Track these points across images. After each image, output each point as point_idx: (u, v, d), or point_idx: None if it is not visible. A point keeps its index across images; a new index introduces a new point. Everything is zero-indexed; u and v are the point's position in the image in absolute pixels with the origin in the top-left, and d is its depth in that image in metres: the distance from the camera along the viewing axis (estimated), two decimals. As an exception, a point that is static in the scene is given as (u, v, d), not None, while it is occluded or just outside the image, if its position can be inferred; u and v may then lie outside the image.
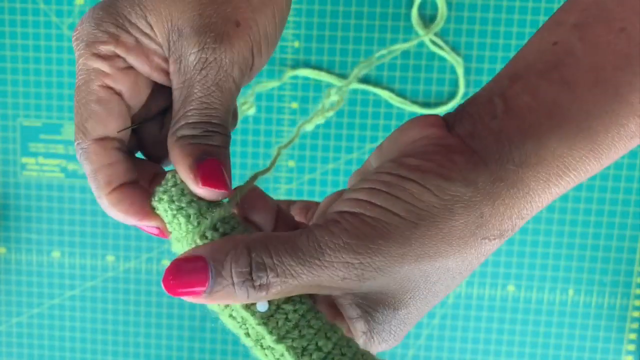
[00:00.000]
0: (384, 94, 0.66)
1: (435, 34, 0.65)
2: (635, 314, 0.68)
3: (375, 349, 0.29)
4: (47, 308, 0.72)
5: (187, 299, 0.26)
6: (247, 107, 0.66)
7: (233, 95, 0.29)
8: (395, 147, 0.30)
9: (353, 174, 0.33)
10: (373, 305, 0.27)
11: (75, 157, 0.69)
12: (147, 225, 0.30)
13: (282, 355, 0.26)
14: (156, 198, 0.29)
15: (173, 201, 0.28)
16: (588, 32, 0.27)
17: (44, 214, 0.70)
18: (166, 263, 0.70)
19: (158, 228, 0.30)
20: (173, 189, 0.28)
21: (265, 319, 0.26)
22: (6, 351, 0.72)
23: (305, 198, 0.68)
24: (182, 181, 0.28)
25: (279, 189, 0.68)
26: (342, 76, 0.66)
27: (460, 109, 0.29)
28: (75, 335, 0.72)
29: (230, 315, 0.26)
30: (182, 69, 0.28)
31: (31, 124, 0.69)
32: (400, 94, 0.66)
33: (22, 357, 0.73)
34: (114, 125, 0.29)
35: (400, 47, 0.65)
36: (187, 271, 0.25)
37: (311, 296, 0.29)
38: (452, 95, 0.66)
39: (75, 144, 0.29)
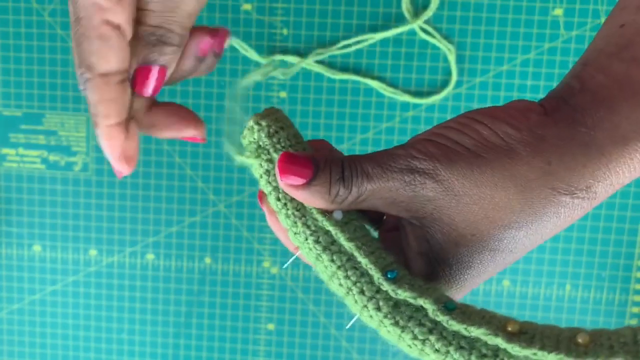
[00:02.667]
0: (374, 84, 0.64)
1: (428, 21, 0.63)
2: (635, 309, 0.66)
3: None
4: (27, 304, 0.70)
5: (288, 189, 0.30)
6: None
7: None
8: None
9: None
10: (432, 225, 0.30)
11: (56, 148, 0.67)
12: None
13: (351, 256, 0.30)
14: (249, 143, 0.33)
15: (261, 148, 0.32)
16: None
17: (25, 207, 0.68)
18: (151, 257, 0.69)
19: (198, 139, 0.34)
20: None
21: (341, 224, 0.30)
22: (-13, 348, 0.71)
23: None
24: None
25: (267, 181, 0.66)
26: (332, 65, 0.64)
27: (547, 94, 0.32)
28: (57, 331, 0.70)
29: (305, 224, 0.31)
30: None
31: (11, 114, 0.67)
32: (392, 83, 0.64)
33: (2, 355, 0.71)
34: (116, 60, 0.30)
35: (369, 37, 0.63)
36: (295, 162, 0.30)
37: None
38: (445, 83, 0.64)
39: (79, 73, 0.30)
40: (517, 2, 0.62)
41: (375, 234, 0.35)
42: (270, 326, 0.69)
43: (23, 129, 0.67)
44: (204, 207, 0.67)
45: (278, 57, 0.64)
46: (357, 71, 0.64)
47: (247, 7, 0.64)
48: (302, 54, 0.64)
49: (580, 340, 0.25)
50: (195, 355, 0.70)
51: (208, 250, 0.68)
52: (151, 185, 0.67)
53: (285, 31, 0.64)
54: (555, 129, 0.29)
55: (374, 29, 0.64)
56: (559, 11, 0.62)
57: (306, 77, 0.65)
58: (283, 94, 0.65)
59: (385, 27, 0.63)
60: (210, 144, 0.66)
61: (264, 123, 0.32)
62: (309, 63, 0.64)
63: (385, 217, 0.35)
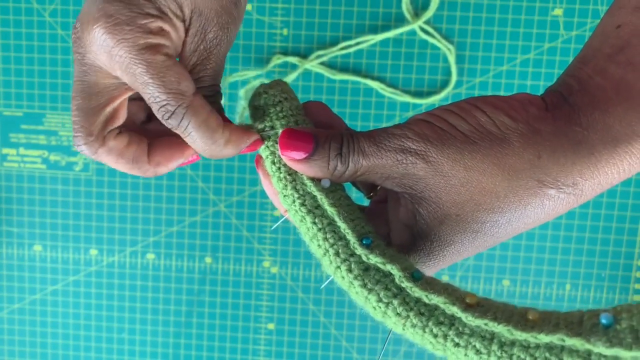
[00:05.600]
0: (374, 84, 0.64)
1: (428, 22, 0.63)
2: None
3: (414, 258, 0.32)
4: (28, 303, 0.70)
5: (289, 162, 0.32)
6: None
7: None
8: None
9: None
10: (420, 202, 0.31)
11: (57, 148, 0.67)
12: (250, 144, 0.35)
13: (332, 220, 0.32)
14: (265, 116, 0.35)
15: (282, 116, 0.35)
16: None
17: (25, 207, 0.68)
18: (151, 257, 0.69)
19: (259, 140, 0.35)
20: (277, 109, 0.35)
21: (327, 191, 0.33)
22: (-12, 348, 0.71)
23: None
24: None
25: (267, 181, 0.66)
26: (332, 65, 0.64)
27: (548, 89, 0.33)
28: (58, 331, 0.70)
29: (294, 188, 0.33)
30: (201, 40, 0.33)
31: (12, 114, 0.67)
32: (392, 83, 0.64)
33: (3, 354, 0.71)
34: (192, 83, 0.33)
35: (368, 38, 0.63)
36: (297, 138, 0.32)
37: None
38: (444, 83, 0.64)
39: (175, 107, 0.31)
40: (517, 2, 0.62)
41: (366, 202, 0.37)
42: (271, 326, 0.69)
43: (24, 129, 0.67)
44: (204, 207, 0.68)
45: (279, 58, 0.64)
46: (357, 71, 0.65)
47: (247, 7, 0.64)
48: (302, 54, 0.65)
49: (530, 317, 0.27)
50: (195, 355, 0.70)
51: (208, 250, 0.68)
52: (152, 185, 0.67)
53: (285, 31, 0.64)
54: (552, 125, 0.30)
55: (374, 29, 0.64)
56: (558, 11, 0.62)
57: (306, 77, 0.65)
58: (283, 94, 0.65)
59: (385, 28, 0.63)
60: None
61: (270, 92, 0.34)
62: (310, 64, 0.64)
63: (379, 188, 0.36)
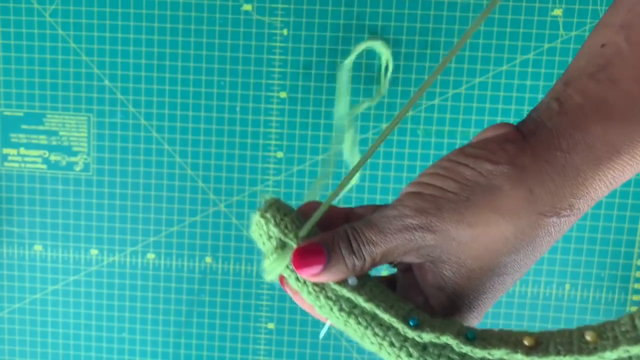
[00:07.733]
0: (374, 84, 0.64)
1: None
2: (634, 309, 0.66)
3: (459, 316, 0.33)
4: (28, 303, 0.70)
5: (310, 278, 0.32)
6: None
7: None
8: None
9: None
10: (443, 266, 0.32)
11: (57, 148, 0.67)
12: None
13: (374, 314, 0.32)
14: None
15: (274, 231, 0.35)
16: (633, 32, 0.30)
17: (26, 207, 0.68)
18: (152, 257, 0.69)
19: None
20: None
21: (358, 288, 0.33)
22: (-12, 348, 0.71)
23: (294, 189, 0.67)
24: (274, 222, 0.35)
25: (267, 181, 0.67)
26: (331, 66, 0.64)
27: (528, 115, 0.33)
28: (58, 331, 0.70)
29: (326, 296, 0.33)
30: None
31: (13, 114, 0.67)
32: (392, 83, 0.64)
33: (3, 354, 0.71)
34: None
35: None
36: (308, 254, 0.32)
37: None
38: (444, 84, 0.64)
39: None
40: (516, 2, 0.62)
41: (393, 271, 0.38)
42: (271, 325, 0.69)
43: (24, 129, 0.67)
44: (204, 207, 0.68)
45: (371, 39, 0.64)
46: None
47: (247, 7, 0.64)
48: (303, 54, 0.65)
49: (588, 338, 0.27)
50: (195, 355, 0.70)
51: (209, 249, 0.68)
52: (152, 185, 0.67)
53: (285, 31, 0.64)
54: (531, 155, 0.30)
55: (374, 29, 0.64)
56: (558, 11, 0.62)
57: (306, 77, 0.65)
58: (283, 94, 0.65)
59: (385, 28, 0.64)
60: (211, 143, 0.66)
61: (268, 215, 0.34)
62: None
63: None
